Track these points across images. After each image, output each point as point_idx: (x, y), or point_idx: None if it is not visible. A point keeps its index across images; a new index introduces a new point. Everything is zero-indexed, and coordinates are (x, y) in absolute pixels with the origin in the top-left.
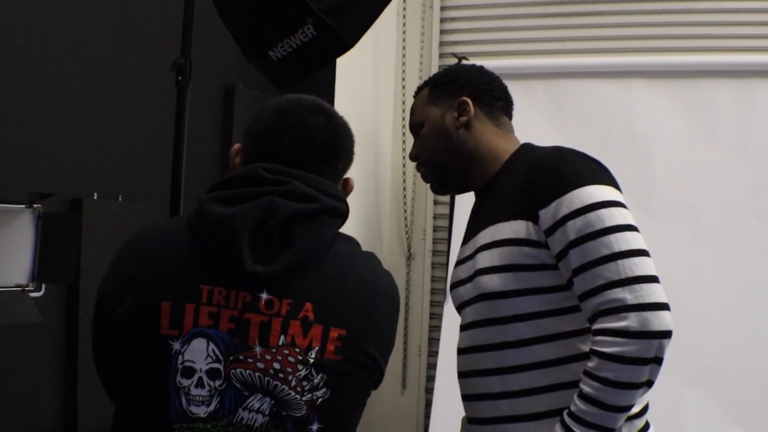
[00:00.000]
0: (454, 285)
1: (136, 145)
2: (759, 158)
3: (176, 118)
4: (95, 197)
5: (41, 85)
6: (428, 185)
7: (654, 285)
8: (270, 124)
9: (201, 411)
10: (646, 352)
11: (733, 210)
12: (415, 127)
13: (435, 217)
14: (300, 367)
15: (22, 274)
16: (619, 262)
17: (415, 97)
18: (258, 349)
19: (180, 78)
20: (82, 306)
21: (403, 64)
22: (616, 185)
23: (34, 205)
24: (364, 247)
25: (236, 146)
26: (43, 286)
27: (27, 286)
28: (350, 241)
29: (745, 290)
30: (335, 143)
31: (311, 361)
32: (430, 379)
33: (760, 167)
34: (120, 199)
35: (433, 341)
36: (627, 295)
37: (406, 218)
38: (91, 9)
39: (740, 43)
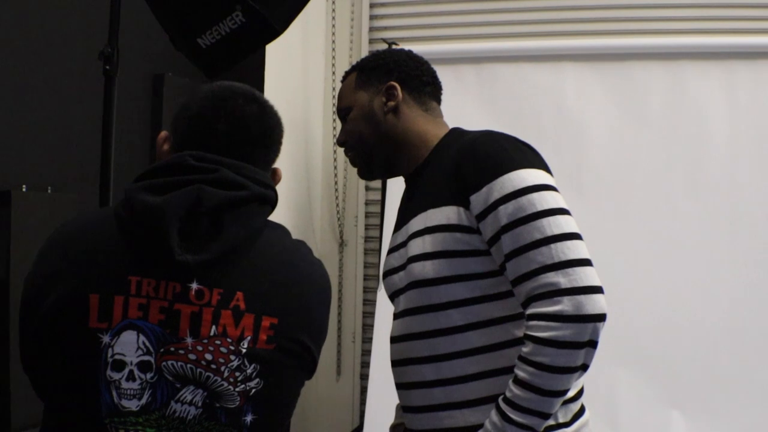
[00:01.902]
0: (387, 273)
1: (65, 135)
2: (690, 139)
3: (104, 108)
4: (24, 189)
5: None
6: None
7: (587, 268)
8: (203, 110)
9: (132, 404)
10: (581, 335)
11: (665, 191)
12: (343, 112)
13: (367, 204)
14: (232, 357)
15: None
16: (552, 246)
17: (342, 81)
18: (189, 340)
19: (108, 67)
20: (12, 300)
21: (333, 50)
22: (547, 169)
23: None
24: (296, 234)
25: (163, 133)
26: None
27: None
28: (280, 229)
29: (679, 270)
30: (269, 131)
31: (243, 351)
32: (365, 365)
33: (691, 148)
34: (49, 191)
35: (367, 328)
36: (560, 279)
37: (338, 205)
38: None
39: (670, 26)
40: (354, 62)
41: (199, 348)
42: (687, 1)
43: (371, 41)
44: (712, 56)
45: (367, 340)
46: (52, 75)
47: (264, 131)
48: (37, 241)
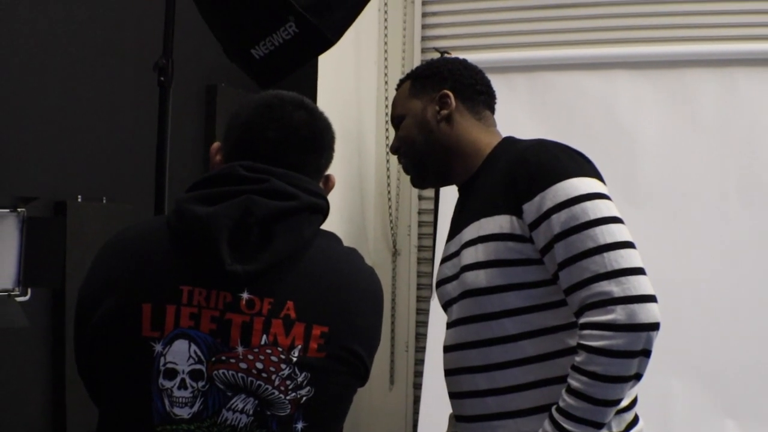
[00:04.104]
0: (440, 282)
1: (120, 146)
2: (743, 147)
3: (159, 119)
4: (79, 200)
5: (23, 88)
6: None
7: (640, 277)
8: (253, 118)
9: (184, 412)
10: (634, 345)
11: (718, 199)
12: (397, 119)
13: (420, 212)
14: (283, 366)
15: (8, 279)
16: (605, 254)
17: (397, 90)
18: (240, 350)
19: (162, 78)
20: (68, 309)
21: (386, 59)
22: (599, 177)
23: (18, 209)
24: (349, 244)
25: (216, 144)
26: (29, 290)
27: (13, 290)
28: (331, 237)
29: (731, 279)
30: (318, 137)
31: (294, 359)
32: (418, 374)
33: (744, 156)
34: (104, 201)
35: (420, 336)
36: (613, 287)
37: (390, 214)
38: (73, 10)
39: (722, 32)
40: (406, 71)
41: (250, 357)
42: (739, 8)
43: (423, 50)
44: (765, 63)
45: (420, 349)
46: (107, 86)
47: (313, 137)
48: (93, 251)
